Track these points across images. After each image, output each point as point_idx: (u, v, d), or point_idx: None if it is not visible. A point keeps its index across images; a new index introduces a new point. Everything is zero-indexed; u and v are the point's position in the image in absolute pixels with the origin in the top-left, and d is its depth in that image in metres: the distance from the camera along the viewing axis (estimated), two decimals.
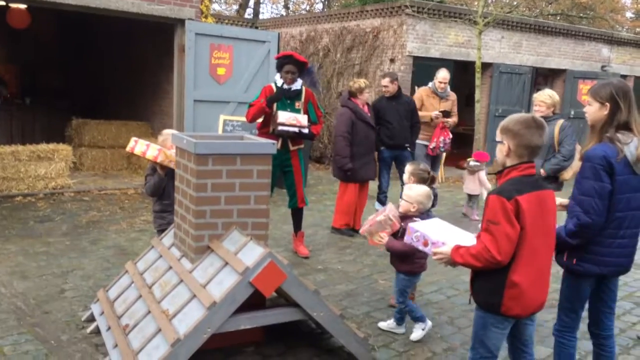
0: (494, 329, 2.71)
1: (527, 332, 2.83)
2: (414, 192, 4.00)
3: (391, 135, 7.01)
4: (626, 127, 2.92)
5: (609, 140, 2.89)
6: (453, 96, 7.84)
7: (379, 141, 7.06)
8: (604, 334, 3.21)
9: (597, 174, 2.85)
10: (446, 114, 7.54)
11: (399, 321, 4.18)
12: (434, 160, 7.80)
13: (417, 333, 4.08)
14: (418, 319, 4.10)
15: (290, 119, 5.44)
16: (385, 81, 7.09)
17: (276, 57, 5.82)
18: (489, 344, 2.74)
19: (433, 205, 4.52)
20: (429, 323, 4.11)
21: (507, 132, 2.67)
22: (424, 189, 4.04)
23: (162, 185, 4.43)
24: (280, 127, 5.42)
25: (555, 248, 2.83)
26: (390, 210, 3.93)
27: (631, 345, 4.21)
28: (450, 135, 7.59)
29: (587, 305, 3.20)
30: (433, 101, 7.64)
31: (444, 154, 8.01)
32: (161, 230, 4.48)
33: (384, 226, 3.89)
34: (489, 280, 2.64)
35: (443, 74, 7.65)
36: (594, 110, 3.00)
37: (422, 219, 3.89)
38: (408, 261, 4.00)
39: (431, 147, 7.52)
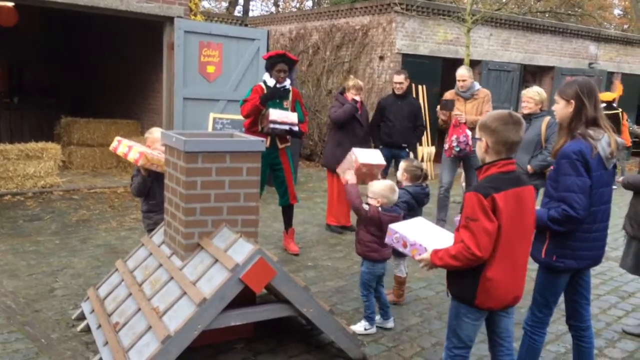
0: (466, 319, 2.76)
1: (503, 324, 2.86)
2: (376, 187, 4.05)
3: (389, 133, 6.93)
4: (594, 123, 3.00)
5: (581, 137, 2.96)
6: (482, 93, 6.79)
7: (379, 139, 7.05)
8: (583, 325, 3.27)
9: (577, 169, 2.91)
10: (448, 104, 6.58)
11: (384, 315, 4.22)
12: (466, 166, 6.87)
13: (358, 327, 4.11)
14: (368, 317, 4.13)
15: (281, 117, 5.46)
16: (401, 78, 6.93)
17: (266, 56, 5.82)
18: (462, 334, 2.79)
19: (421, 204, 4.57)
20: (374, 329, 4.14)
21: (485, 129, 2.71)
22: (386, 184, 4.08)
23: (146, 186, 4.42)
24: (272, 125, 5.44)
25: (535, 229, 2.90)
26: (355, 149, 4.20)
27: (617, 338, 4.27)
28: (467, 133, 6.48)
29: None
30: (458, 104, 6.72)
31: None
32: (150, 230, 4.49)
33: (350, 163, 4.08)
34: (464, 273, 2.68)
35: (460, 72, 6.82)
36: (560, 108, 3.08)
37: (386, 210, 3.98)
38: (362, 242, 4.04)
39: (445, 148, 6.70)
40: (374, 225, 3.97)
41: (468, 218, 2.60)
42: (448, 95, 6.86)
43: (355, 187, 4.08)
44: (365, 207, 4.02)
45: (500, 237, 2.60)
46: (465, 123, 6.50)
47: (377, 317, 4.23)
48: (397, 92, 6.98)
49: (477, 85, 6.84)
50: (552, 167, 3.12)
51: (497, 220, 2.57)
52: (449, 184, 6.85)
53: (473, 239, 2.56)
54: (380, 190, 4.00)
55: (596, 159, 2.94)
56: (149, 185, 4.42)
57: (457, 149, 6.52)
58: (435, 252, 2.73)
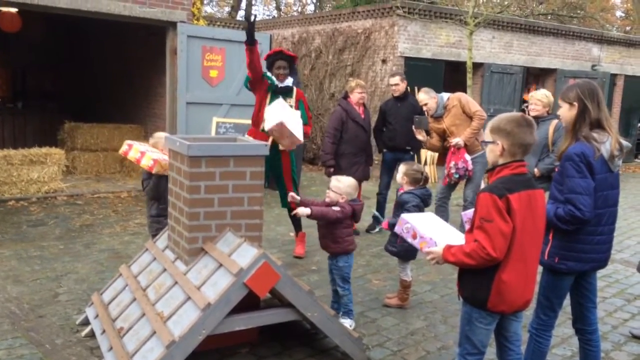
0: (479, 324, 2.74)
1: (512, 328, 2.85)
2: (342, 184, 4.13)
3: (391, 136, 6.85)
4: (599, 125, 3.00)
5: (585, 139, 2.97)
6: (454, 100, 6.32)
7: (382, 143, 7.00)
8: (590, 329, 3.26)
9: (581, 171, 2.92)
10: (422, 122, 6.21)
11: (350, 315, 4.19)
12: (467, 182, 6.38)
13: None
14: (348, 313, 4.16)
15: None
16: (396, 79, 6.81)
17: (265, 56, 5.84)
18: (475, 339, 2.77)
19: (427, 205, 4.57)
20: (353, 324, 4.16)
21: (500, 132, 2.70)
22: (351, 181, 4.20)
23: (161, 187, 4.43)
24: None
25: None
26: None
27: (623, 341, 4.25)
28: (466, 158, 6.18)
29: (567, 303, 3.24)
30: (437, 124, 6.41)
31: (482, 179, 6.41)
32: (156, 235, 4.49)
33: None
34: (477, 276, 2.67)
35: (419, 97, 6.49)
36: (564, 111, 3.10)
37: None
38: (339, 240, 4.07)
39: (445, 174, 6.38)
40: (349, 219, 4.09)
41: (483, 219, 2.58)
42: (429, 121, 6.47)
43: (318, 209, 4.02)
44: (336, 208, 4.04)
45: (514, 239, 2.59)
46: (465, 146, 6.19)
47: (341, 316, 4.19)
48: (394, 94, 6.90)
49: (444, 98, 6.39)
50: (557, 170, 3.12)
51: (511, 221, 2.57)
52: (445, 197, 6.62)
53: (488, 239, 2.55)
54: (345, 187, 4.13)
55: (600, 161, 2.94)
56: (165, 187, 4.42)
57: (457, 176, 6.23)
58: (449, 247, 2.71)
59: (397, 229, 3.10)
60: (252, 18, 5.41)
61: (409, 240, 2.99)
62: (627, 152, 3.20)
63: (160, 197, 4.51)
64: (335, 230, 4.07)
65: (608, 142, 2.97)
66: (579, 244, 3.01)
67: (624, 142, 3.06)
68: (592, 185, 2.92)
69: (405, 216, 3.08)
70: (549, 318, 3.17)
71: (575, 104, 3.02)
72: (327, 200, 4.14)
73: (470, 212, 3.13)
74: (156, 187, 4.44)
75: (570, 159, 2.94)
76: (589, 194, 2.91)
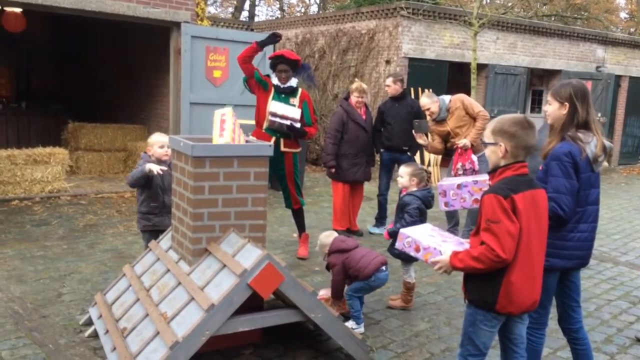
0: (483, 326, 2.72)
1: (517, 330, 2.83)
2: (320, 245, 4.32)
3: (389, 136, 6.85)
4: (585, 126, 3.02)
5: (571, 139, 2.98)
6: (457, 102, 6.31)
7: (380, 143, 7.00)
8: (575, 327, 3.27)
9: (567, 171, 2.94)
10: (421, 126, 6.04)
11: (357, 320, 4.19)
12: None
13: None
14: (355, 317, 4.17)
15: (282, 110, 5.42)
16: (389, 81, 6.86)
17: (269, 57, 5.84)
18: (477, 341, 2.75)
19: (429, 207, 4.55)
20: (362, 329, 4.15)
21: (503, 134, 2.69)
22: (320, 241, 4.34)
23: (142, 180, 4.30)
24: (271, 117, 5.39)
25: None
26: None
27: (628, 344, 4.22)
28: (473, 159, 6.15)
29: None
30: (440, 127, 6.41)
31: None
32: (145, 231, 4.52)
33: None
34: (485, 278, 2.65)
35: (421, 102, 6.44)
36: (553, 110, 3.10)
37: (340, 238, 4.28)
38: (355, 271, 4.12)
39: (451, 175, 6.29)
40: (343, 263, 4.16)
41: (489, 220, 2.56)
42: (431, 124, 6.43)
43: (333, 287, 4.25)
44: (333, 271, 4.19)
45: (520, 239, 2.58)
46: (471, 147, 6.16)
47: (351, 322, 4.19)
48: (389, 95, 6.92)
49: (446, 100, 6.38)
50: (541, 167, 3.11)
51: (517, 221, 2.56)
52: None
53: (496, 241, 2.52)
54: (321, 244, 4.32)
55: (584, 160, 2.98)
56: (143, 183, 4.35)
57: None
58: (455, 254, 2.69)
59: (398, 245, 3.04)
60: (279, 37, 5.62)
61: (412, 253, 2.94)
62: (609, 153, 3.21)
63: (138, 187, 4.41)
64: (348, 270, 4.15)
65: (593, 143, 3.00)
66: (561, 240, 3.04)
67: (607, 143, 3.08)
68: (577, 187, 2.96)
69: (404, 231, 3.03)
70: (540, 315, 3.16)
71: (566, 104, 3.04)
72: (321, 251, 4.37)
73: (445, 180, 3.15)
74: (140, 179, 4.29)
75: (558, 159, 2.96)
76: (572, 195, 2.95)
